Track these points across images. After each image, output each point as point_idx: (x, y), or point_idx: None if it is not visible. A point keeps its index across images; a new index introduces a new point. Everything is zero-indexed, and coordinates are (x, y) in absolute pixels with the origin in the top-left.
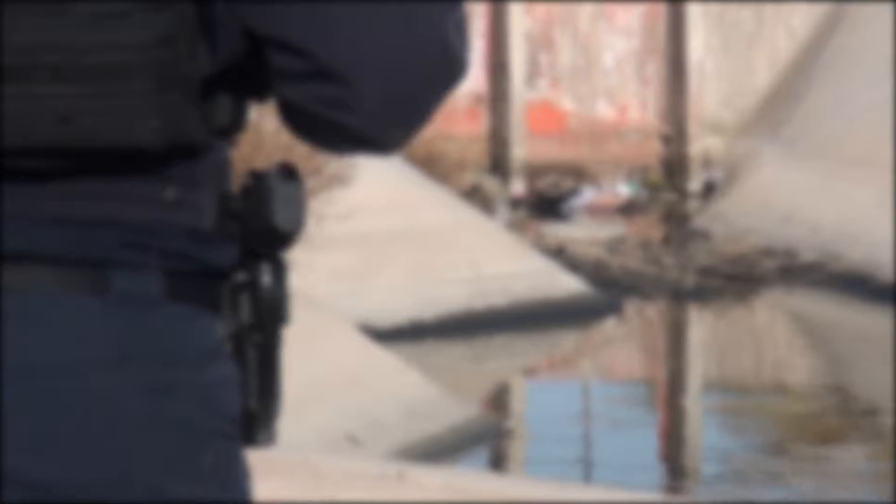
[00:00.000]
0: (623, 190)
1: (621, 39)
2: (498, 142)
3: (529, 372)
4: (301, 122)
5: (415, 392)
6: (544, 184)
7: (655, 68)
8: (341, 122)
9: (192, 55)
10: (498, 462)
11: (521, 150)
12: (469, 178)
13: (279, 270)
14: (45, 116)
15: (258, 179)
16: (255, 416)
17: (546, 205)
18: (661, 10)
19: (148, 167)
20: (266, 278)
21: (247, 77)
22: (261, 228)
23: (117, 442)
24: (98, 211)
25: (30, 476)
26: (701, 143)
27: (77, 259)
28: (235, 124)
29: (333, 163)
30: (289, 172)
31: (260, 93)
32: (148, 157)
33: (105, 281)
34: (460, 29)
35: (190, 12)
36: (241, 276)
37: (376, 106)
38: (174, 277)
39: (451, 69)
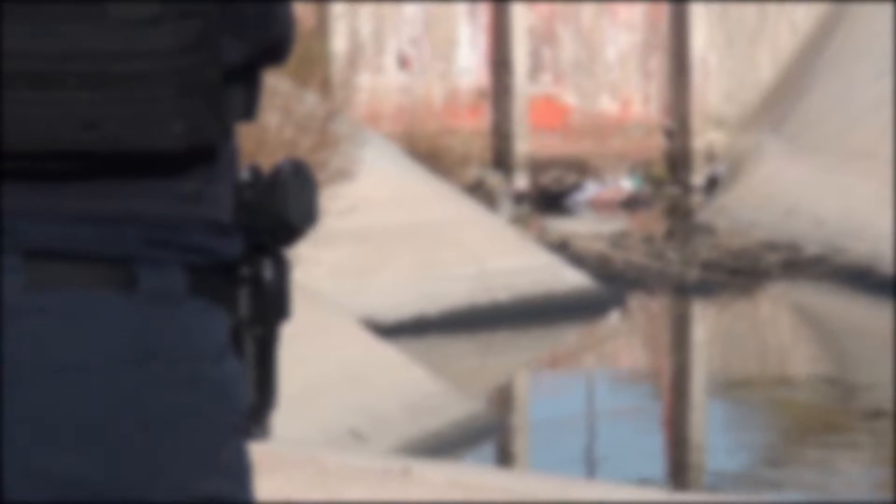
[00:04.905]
0: (626, 184)
1: (624, 34)
2: (501, 137)
3: (533, 367)
4: None
5: (419, 387)
6: (547, 178)
7: (658, 63)
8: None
9: (215, 59)
10: (502, 457)
11: (524, 145)
12: (472, 173)
13: (281, 264)
14: (71, 122)
15: (273, 174)
16: (253, 409)
17: (549, 199)
18: (664, 4)
19: (169, 165)
20: (269, 272)
21: (267, 56)
22: (275, 223)
23: (145, 438)
24: (121, 207)
25: (60, 473)
26: (704, 138)
27: (103, 256)
28: (248, 113)
29: (337, 158)
30: (301, 168)
31: (280, 59)
32: (169, 158)
33: (132, 277)
34: None
35: (214, 17)
36: (244, 270)
37: None
38: (194, 272)
39: None
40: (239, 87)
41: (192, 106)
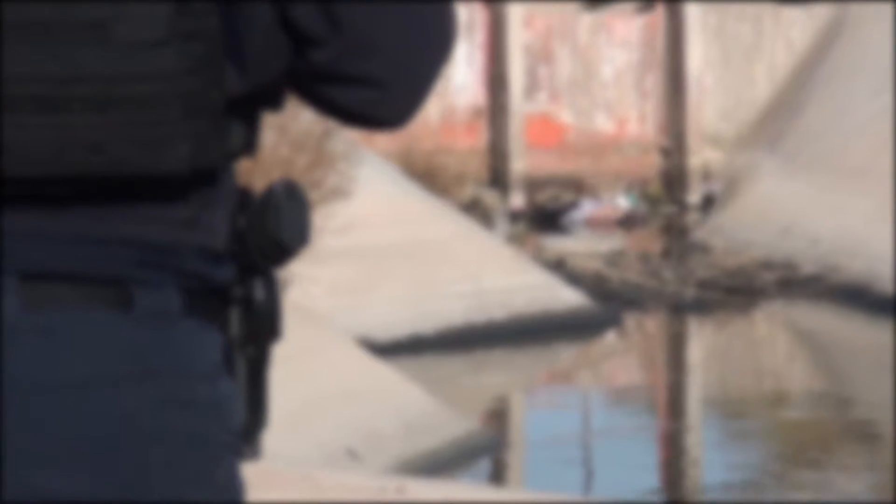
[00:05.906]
0: (622, 203)
1: (620, 52)
2: (497, 155)
3: (529, 385)
4: (325, 109)
5: (414, 406)
6: (544, 197)
7: (654, 81)
8: (371, 117)
9: (219, 82)
10: (497, 476)
11: (520, 164)
12: (468, 191)
13: (271, 285)
14: (77, 146)
15: (266, 196)
16: (244, 429)
17: (545, 218)
18: (660, 23)
19: (168, 190)
20: (260, 293)
21: (267, 97)
22: (268, 244)
23: (140, 456)
24: (117, 230)
25: (56, 491)
26: (700, 156)
27: (98, 276)
28: (249, 146)
29: (333, 176)
30: (294, 188)
31: (277, 104)
32: (171, 181)
33: (128, 297)
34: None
35: (218, 39)
36: (236, 291)
37: (407, 104)
38: (188, 294)
39: (452, 47)
40: (239, 120)
41: (196, 128)
